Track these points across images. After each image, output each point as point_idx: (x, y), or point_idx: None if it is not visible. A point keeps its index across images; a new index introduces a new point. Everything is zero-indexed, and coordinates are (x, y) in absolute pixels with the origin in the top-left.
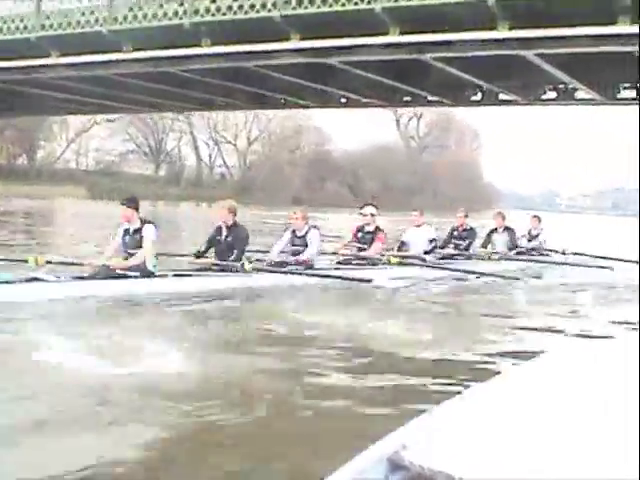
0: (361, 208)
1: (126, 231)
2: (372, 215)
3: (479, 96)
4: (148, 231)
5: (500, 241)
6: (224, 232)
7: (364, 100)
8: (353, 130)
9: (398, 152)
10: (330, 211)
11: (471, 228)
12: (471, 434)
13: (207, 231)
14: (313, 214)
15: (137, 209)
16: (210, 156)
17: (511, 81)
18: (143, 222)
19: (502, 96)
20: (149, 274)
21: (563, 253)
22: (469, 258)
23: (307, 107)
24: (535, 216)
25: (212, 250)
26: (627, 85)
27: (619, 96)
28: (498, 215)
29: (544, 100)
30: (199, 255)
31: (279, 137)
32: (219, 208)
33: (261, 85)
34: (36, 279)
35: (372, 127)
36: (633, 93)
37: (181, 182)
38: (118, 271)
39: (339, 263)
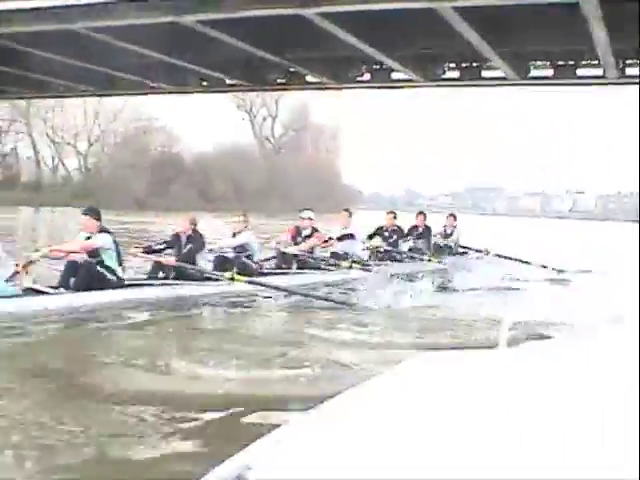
0: (300, 212)
1: (87, 239)
2: (310, 219)
3: (367, 76)
4: (104, 239)
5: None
6: (183, 240)
7: (229, 81)
8: (204, 131)
9: (252, 153)
10: (175, 215)
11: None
12: (317, 450)
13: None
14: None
15: (99, 219)
16: (53, 158)
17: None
18: (101, 231)
19: (396, 75)
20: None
21: (487, 253)
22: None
23: (160, 92)
24: (451, 214)
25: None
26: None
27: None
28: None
29: (445, 80)
30: (154, 251)
31: (123, 137)
32: (181, 220)
33: (94, 61)
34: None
35: (225, 128)
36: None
37: (18, 186)
38: None
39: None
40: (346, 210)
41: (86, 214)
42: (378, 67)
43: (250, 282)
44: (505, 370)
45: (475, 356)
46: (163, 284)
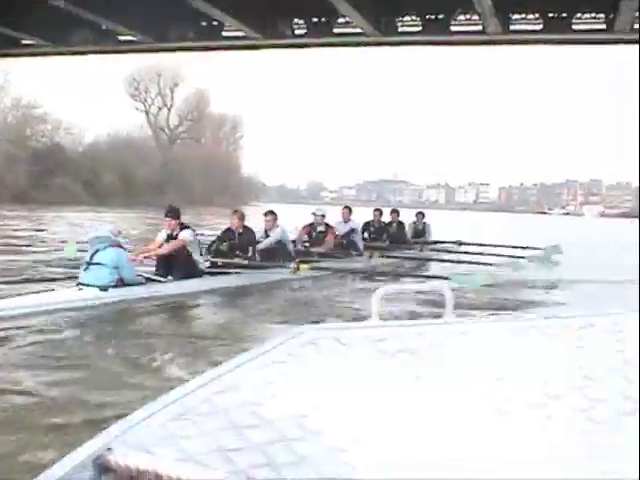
0: (314, 213)
1: (169, 236)
2: (323, 216)
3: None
4: (187, 235)
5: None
6: (236, 234)
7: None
8: (94, 121)
9: (146, 145)
10: (57, 209)
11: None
12: (175, 429)
13: None
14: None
15: (179, 217)
16: None
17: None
18: (182, 228)
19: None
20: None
21: (460, 244)
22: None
23: None
24: (419, 212)
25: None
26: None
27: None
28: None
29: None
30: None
31: (2, 127)
32: (233, 217)
33: None
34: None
35: (117, 118)
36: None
37: None
38: None
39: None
40: (347, 207)
41: (167, 216)
42: None
43: (313, 268)
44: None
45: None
46: (237, 273)
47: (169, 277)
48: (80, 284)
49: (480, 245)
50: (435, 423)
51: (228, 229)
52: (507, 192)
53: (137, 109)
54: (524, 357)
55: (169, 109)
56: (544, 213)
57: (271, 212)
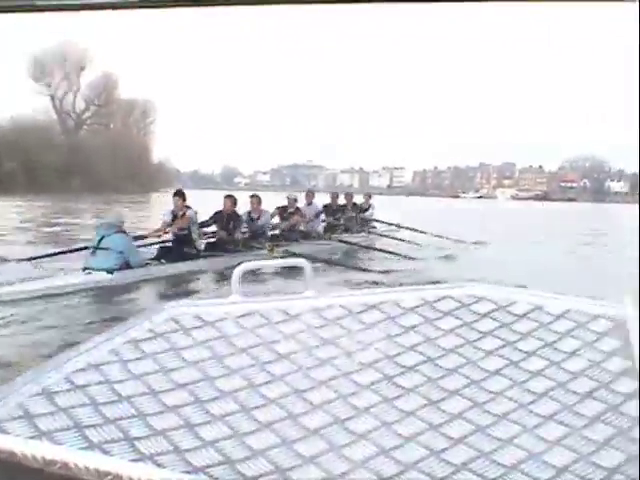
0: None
1: (174, 215)
2: (295, 200)
3: None
4: (192, 214)
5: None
6: (225, 217)
7: None
8: None
9: (51, 130)
10: None
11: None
12: (31, 408)
13: None
14: None
15: (185, 199)
16: None
17: None
18: (188, 208)
19: None
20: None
21: (398, 226)
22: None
23: None
24: (366, 194)
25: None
26: None
27: None
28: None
29: None
30: (204, 225)
31: None
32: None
33: None
34: None
35: (21, 102)
36: None
37: None
38: None
39: None
40: (310, 191)
41: (176, 195)
42: None
43: (285, 252)
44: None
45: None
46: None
47: (162, 260)
48: (87, 268)
49: (415, 230)
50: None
51: (218, 212)
52: (421, 176)
53: (41, 93)
54: (363, 333)
55: (75, 93)
56: (457, 197)
57: (255, 195)
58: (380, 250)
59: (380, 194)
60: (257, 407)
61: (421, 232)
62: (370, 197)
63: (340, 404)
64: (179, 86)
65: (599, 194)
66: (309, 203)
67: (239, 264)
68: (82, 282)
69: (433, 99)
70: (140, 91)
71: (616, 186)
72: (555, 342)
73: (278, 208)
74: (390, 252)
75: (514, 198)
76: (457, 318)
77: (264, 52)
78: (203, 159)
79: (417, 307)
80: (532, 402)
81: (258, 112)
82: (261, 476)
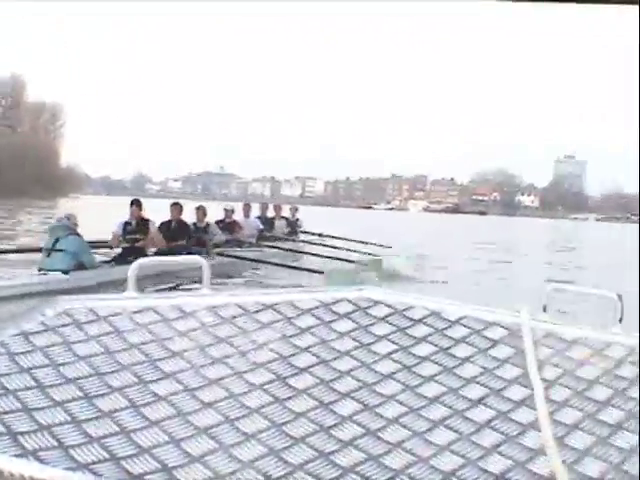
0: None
1: (133, 224)
2: (233, 211)
3: None
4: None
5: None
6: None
7: None
8: None
9: None
10: None
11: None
12: None
13: None
14: None
15: (141, 208)
16: None
17: None
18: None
19: None
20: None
21: (320, 235)
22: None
23: None
24: (293, 206)
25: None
26: None
27: None
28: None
29: None
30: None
31: None
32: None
33: None
34: None
35: None
36: None
37: None
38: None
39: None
40: (247, 204)
41: (133, 204)
42: None
43: (219, 254)
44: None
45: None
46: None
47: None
48: (42, 269)
49: (337, 238)
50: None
51: (168, 221)
52: (333, 186)
53: None
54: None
55: None
56: (369, 208)
57: (201, 207)
58: (316, 254)
59: (290, 203)
60: (147, 404)
61: (343, 239)
62: (297, 210)
63: (231, 403)
64: (91, 90)
65: (509, 207)
66: (246, 216)
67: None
68: (38, 282)
69: (348, 109)
70: (50, 94)
71: (526, 200)
72: (449, 348)
73: (217, 222)
74: (325, 256)
75: (426, 210)
76: (353, 321)
77: (178, 58)
78: (114, 165)
79: (313, 309)
80: (423, 407)
81: (170, 118)
82: (147, 474)
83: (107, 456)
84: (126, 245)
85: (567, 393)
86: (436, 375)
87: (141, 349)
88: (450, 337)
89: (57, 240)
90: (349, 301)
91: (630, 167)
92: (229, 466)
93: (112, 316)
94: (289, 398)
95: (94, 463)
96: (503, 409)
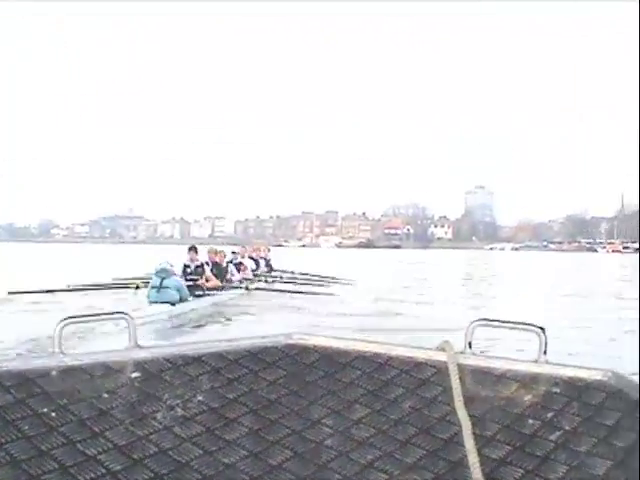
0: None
1: (187, 266)
2: (234, 253)
3: None
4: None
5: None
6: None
7: None
8: None
9: None
10: None
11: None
12: None
13: None
14: None
15: (197, 252)
16: None
17: None
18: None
19: None
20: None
21: (292, 273)
22: None
23: None
24: (266, 247)
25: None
26: None
27: None
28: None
29: None
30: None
31: None
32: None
33: None
34: None
35: None
36: None
37: None
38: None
39: None
40: (220, 251)
41: (191, 250)
42: None
43: (257, 288)
44: None
45: None
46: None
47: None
48: (154, 302)
49: (308, 275)
50: None
51: (200, 264)
52: (243, 225)
53: None
54: None
55: None
56: (280, 245)
57: (194, 247)
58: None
59: (201, 244)
60: (75, 465)
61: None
62: (269, 250)
63: (161, 459)
64: None
65: (423, 240)
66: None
67: None
68: (160, 312)
69: (250, 147)
70: None
71: (440, 232)
72: (379, 390)
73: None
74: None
75: (338, 246)
76: (282, 369)
77: (77, 93)
78: (18, 211)
79: (240, 359)
80: (353, 450)
81: (74, 162)
82: None
83: None
84: (188, 284)
85: (495, 428)
86: (366, 417)
87: (69, 409)
88: (379, 379)
89: (162, 279)
90: (277, 348)
91: (538, 196)
92: None
93: (39, 377)
94: (219, 449)
95: None
96: (432, 448)
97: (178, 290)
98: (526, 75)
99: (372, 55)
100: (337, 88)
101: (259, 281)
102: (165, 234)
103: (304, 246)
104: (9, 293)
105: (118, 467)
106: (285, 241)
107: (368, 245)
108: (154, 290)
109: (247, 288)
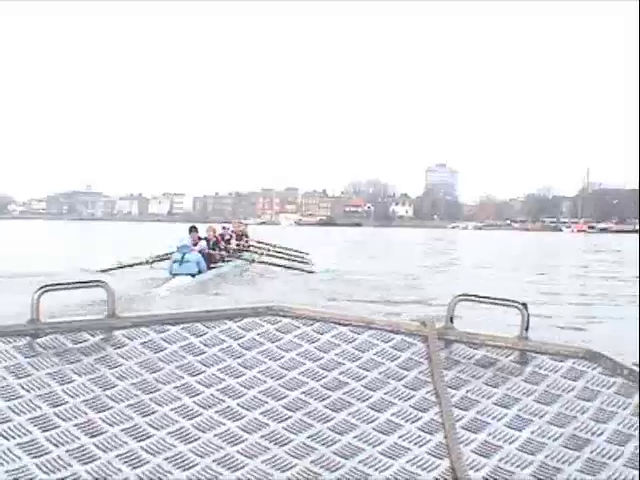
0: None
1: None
2: (224, 228)
3: None
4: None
5: None
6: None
7: None
8: None
9: None
10: None
11: None
12: None
13: None
14: None
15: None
16: None
17: None
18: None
19: None
20: None
21: (274, 246)
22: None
23: None
24: (239, 221)
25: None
26: None
27: None
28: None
29: None
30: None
31: None
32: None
33: None
34: None
35: None
36: None
37: None
38: None
39: None
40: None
41: (192, 231)
42: None
43: (260, 262)
44: None
45: None
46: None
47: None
48: (175, 274)
49: (284, 248)
50: None
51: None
52: (202, 202)
53: None
54: None
55: None
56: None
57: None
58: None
59: (159, 221)
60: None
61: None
62: (247, 225)
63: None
64: None
65: (384, 218)
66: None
67: None
68: (183, 283)
69: (213, 124)
70: None
71: (401, 210)
72: (360, 364)
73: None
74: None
75: (298, 224)
76: (260, 335)
77: (39, 71)
78: None
79: (220, 325)
80: (327, 408)
81: (33, 136)
82: None
83: None
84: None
85: (477, 402)
86: (340, 382)
87: (40, 377)
88: (359, 349)
89: (184, 254)
90: (257, 316)
91: (500, 175)
92: None
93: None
94: (192, 410)
95: None
96: (409, 415)
97: (197, 263)
98: (489, 52)
99: (332, 32)
100: (299, 64)
101: (254, 253)
102: (123, 210)
103: (264, 223)
104: None
105: (95, 433)
106: (244, 218)
107: (328, 223)
108: (176, 264)
109: (253, 260)
